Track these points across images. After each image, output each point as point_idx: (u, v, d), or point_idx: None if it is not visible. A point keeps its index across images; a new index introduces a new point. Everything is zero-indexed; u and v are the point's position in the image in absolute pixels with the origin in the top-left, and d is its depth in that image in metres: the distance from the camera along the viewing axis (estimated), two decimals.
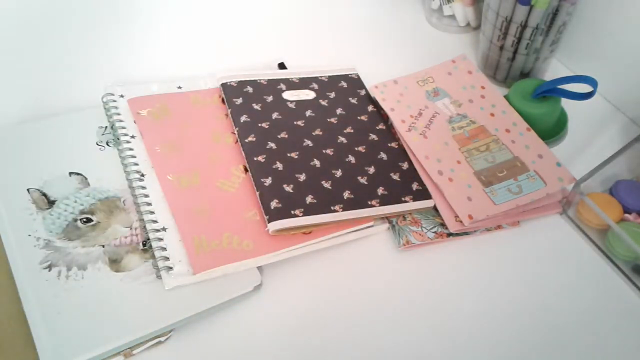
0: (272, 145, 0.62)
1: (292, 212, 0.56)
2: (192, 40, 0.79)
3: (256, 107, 0.66)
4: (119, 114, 0.65)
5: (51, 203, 0.58)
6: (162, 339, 0.52)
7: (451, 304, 0.56)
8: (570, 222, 0.61)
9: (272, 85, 0.69)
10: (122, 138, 0.63)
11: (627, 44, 0.66)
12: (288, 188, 0.58)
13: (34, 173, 0.60)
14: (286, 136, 0.63)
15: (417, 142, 0.64)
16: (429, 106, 0.67)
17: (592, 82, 0.61)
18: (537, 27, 0.65)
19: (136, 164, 0.61)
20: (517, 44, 0.68)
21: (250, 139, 0.62)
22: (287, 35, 0.80)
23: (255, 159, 0.61)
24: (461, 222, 0.58)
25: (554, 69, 0.74)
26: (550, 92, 0.64)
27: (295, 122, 0.65)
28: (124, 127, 0.64)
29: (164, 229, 0.56)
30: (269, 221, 0.56)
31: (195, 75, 0.71)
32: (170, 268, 0.54)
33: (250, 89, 0.68)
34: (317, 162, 0.61)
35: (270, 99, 0.67)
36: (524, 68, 0.71)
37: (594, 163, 0.60)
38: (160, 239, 0.55)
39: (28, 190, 0.59)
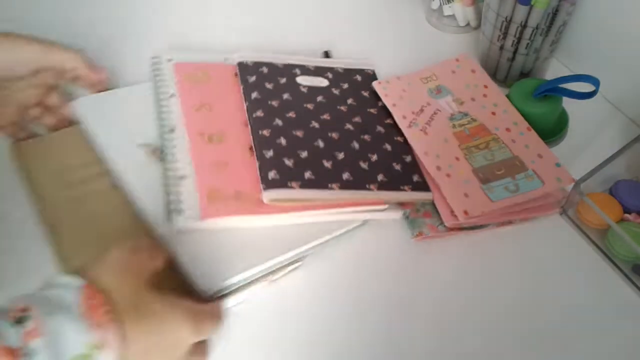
0: (278, 122, 0.62)
1: (289, 184, 0.56)
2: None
3: (268, 86, 0.66)
4: (163, 75, 0.66)
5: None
6: (298, 264, 0.57)
7: (450, 300, 0.56)
8: (570, 222, 0.61)
9: (288, 69, 0.69)
10: (162, 96, 0.65)
11: (627, 44, 0.66)
12: (288, 162, 0.58)
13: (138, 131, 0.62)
14: (294, 116, 0.63)
15: (417, 137, 0.63)
16: (431, 103, 0.67)
17: (594, 81, 0.60)
18: (537, 27, 0.65)
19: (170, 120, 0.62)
20: (517, 44, 0.68)
21: (258, 114, 0.62)
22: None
23: (260, 132, 0.60)
24: (456, 216, 0.57)
25: (554, 69, 0.74)
26: (552, 91, 0.64)
27: (304, 105, 0.65)
28: (166, 86, 0.65)
29: (182, 177, 0.57)
30: (265, 189, 0.55)
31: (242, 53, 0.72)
32: (182, 211, 0.54)
33: (265, 70, 0.68)
34: (320, 143, 0.61)
35: (283, 80, 0.67)
36: (523, 68, 0.71)
37: (594, 163, 0.60)
38: (178, 185, 0.57)
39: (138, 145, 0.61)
